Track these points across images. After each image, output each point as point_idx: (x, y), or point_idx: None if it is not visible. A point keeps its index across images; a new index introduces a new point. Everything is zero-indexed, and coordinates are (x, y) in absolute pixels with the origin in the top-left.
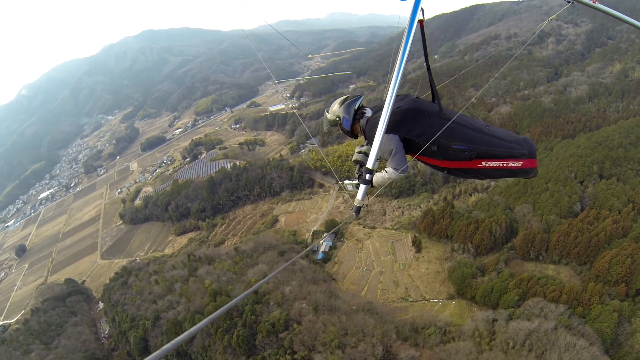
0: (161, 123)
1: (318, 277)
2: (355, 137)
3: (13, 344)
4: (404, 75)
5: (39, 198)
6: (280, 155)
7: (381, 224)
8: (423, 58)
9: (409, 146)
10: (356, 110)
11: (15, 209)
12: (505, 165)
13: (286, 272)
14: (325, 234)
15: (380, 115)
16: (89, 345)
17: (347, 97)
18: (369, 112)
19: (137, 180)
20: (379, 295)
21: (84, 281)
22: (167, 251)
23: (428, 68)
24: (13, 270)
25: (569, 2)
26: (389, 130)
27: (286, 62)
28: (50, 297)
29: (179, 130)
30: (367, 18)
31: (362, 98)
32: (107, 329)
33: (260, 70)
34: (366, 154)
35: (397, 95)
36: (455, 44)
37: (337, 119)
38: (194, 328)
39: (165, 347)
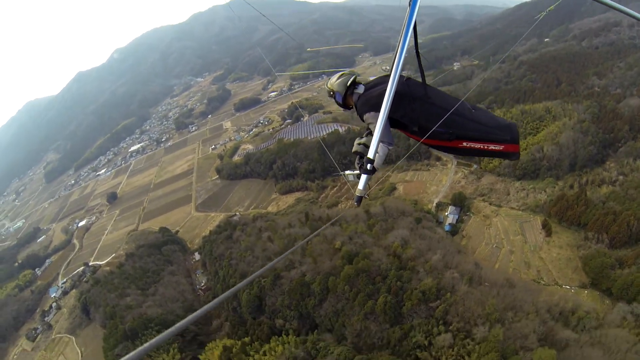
0: (254, 86)
1: (457, 248)
2: (349, 109)
3: (107, 286)
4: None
5: (129, 150)
6: None
7: (506, 204)
8: (531, 42)
9: (396, 123)
10: (349, 87)
11: (106, 160)
12: (486, 147)
13: (428, 240)
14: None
15: (371, 93)
16: (186, 296)
17: (343, 74)
18: (360, 89)
19: (232, 138)
20: (510, 274)
21: (177, 231)
22: (271, 209)
23: (417, 54)
24: (104, 215)
25: None
26: (374, 109)
27: (382, 35)
28: (145, 244)
29: (274, 93)
30: None
31: (354, 76)
32: (203, 282)
33: (355, 42)
34: (366, 145)
35: (386, 76)
36: (569, 28)
37: (331, 92)
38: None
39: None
